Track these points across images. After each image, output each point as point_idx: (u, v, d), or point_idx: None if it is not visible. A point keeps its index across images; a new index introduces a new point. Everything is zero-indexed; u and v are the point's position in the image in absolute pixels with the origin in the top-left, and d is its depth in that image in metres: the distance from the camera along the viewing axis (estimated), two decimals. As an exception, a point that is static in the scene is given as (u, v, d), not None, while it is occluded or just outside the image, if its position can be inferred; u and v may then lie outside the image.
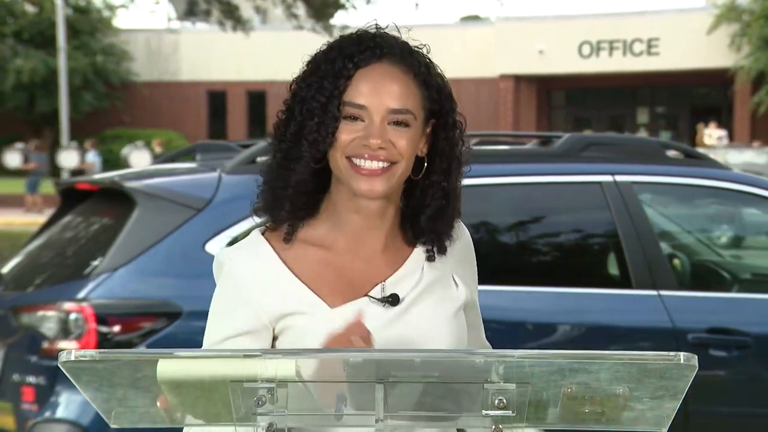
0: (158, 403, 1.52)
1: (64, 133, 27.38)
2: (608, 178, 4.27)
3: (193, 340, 3.77)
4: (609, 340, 4.00)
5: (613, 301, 4.14)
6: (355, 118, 1.76)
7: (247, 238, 1.86)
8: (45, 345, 3.89)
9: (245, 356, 1.49)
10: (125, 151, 24.41)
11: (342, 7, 17.15)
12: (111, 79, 34.54)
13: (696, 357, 1.41)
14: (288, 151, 1.79)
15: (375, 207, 1.81)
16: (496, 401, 1.46)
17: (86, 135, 31.69)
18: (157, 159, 24.28)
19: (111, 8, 35.83)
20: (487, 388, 1.47)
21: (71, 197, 4.80)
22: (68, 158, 24.48)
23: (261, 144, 4.41)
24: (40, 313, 3.96)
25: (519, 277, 4.16)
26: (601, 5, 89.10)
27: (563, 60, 31.99)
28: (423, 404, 1.54)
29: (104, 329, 3.80)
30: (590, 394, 1.47)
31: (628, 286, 4.13)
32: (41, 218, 22.41)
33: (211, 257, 3.86)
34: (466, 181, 1.90)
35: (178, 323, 3.80)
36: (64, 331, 3.85)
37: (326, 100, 1.76)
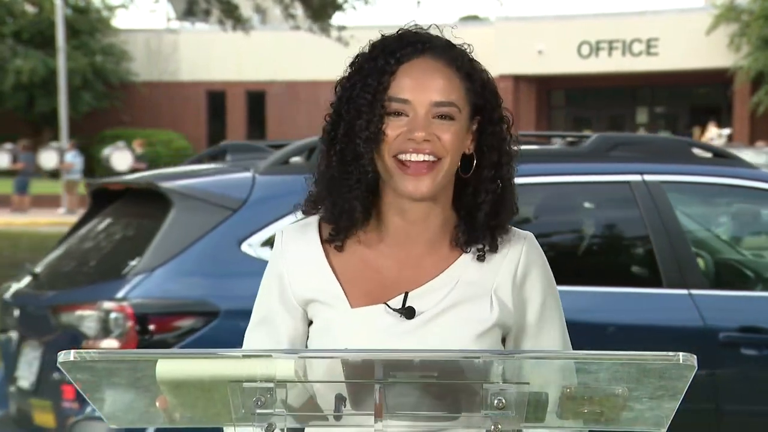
0: (157, 404, 1.52)
1: (63, 133, 27.37)
2: (637, 177, 4.29)
3: (230, 339, 3.80)
4: (638, 339, 4.02)
5: (643, 300, 4.16)
6: (399, 114, 1.76)
7: (305, 219, 1.88)
8: (85, 343, 3.92)
9: (244, 356, 1.49)
10: (107, 151, 24.79)
11: (340, 8, 17.09)
12: (110, 79, 34.52)
13: (695, 357, 1.40)
14: (342, 153, 1.78)
15: (419, 210, 1.80)
16: (496, 401, 1.46)
17: (86, 135, 31.68)
18: (139, 159, 24.50)
19: (110, 8, 35.81)
20: (486, 388, 1.47)
21: (102, 198, 4.87)
22: (48, 158, 24.80)
23: (295, 144, 4.44)
24: (80, 312, 4.00)
25: None
26: (601, 5, 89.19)
27: (563, 60, 31.98)
28: (422, 405, 1.54)
29: (144, 328, 3.85)
30: (589, 394, 1.47)
31: (659, 285, 4.15)
32: (39, 218, 22.43)
33: (247, 257, 3.96)
34: None
35: (216, 323, 3.84)
36: (105, 330, 3.90)
37: (372, 97, 1.76)
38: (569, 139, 5.08)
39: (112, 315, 3.88)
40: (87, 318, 3.95)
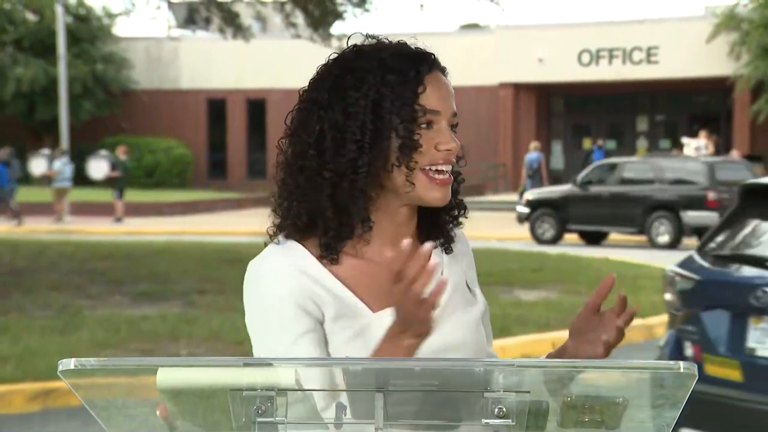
0: (157, 412, 1.52)
1: (63, 141, 27.40)
2: None
3: None
4: None
5: None
6: (429, 124, 1.77)
7: (280, 246, 1.82)
8: None
9: (245, 364, 1.49)
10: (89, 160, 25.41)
11: (340, 16, 17.12)
12: (111, 86, 34.56)
13: (696, 366, 1.40)
14: (347, 165, 1.75)
15: (408, 212, 1.82)
16: (496, 410, 1.46)
17: (86, 142, 31.70)
18: (118, 166, 25.12)
19: (111, 16, 35.86)
20: (486, 396, 1.46)
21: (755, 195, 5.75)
22: (37, 165, 25.17)
23: None
24: None
25: None
26: (601, 13, 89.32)
27: (563, 68, 32.01)
28: (423, 413, 1.54)
29: None
30: (590, 403, 1.47)
31: None
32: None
33: None
34: None
35: None
36: None
37: (409, 107, 1.75)
38: None
39: None
40: None
